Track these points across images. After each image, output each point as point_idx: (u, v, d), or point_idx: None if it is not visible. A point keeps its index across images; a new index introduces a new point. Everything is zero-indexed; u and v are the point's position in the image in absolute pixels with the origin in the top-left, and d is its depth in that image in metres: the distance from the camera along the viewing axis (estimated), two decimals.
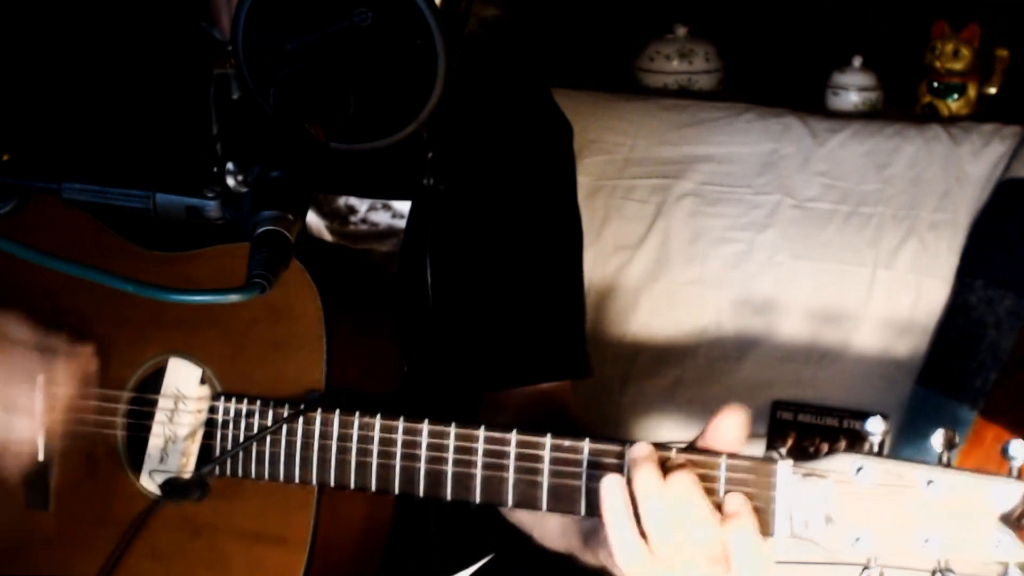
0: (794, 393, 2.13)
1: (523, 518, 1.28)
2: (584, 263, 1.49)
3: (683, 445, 1.03)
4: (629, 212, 2.27)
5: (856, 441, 2.04)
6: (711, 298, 2.20)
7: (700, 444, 1.02)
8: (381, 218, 1.32)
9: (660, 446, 1.02)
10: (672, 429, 2.17)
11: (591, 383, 1.49)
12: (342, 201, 1.33)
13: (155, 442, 1.21)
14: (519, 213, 1.37)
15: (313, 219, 1.33)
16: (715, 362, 2.18)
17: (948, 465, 0.94)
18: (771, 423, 2.10)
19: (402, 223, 1.32)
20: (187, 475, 1.17)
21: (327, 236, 1.35)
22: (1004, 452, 0.93)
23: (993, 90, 2.36)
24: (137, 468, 1.22)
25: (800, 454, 2.04)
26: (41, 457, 1.25)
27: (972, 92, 2.32)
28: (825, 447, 2.04)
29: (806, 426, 2.08)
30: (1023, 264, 1.99)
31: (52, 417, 1.21)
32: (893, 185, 2.16)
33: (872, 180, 2.18)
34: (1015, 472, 0.93)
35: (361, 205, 1.33)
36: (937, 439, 0.94)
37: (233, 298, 0.85)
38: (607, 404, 2.15)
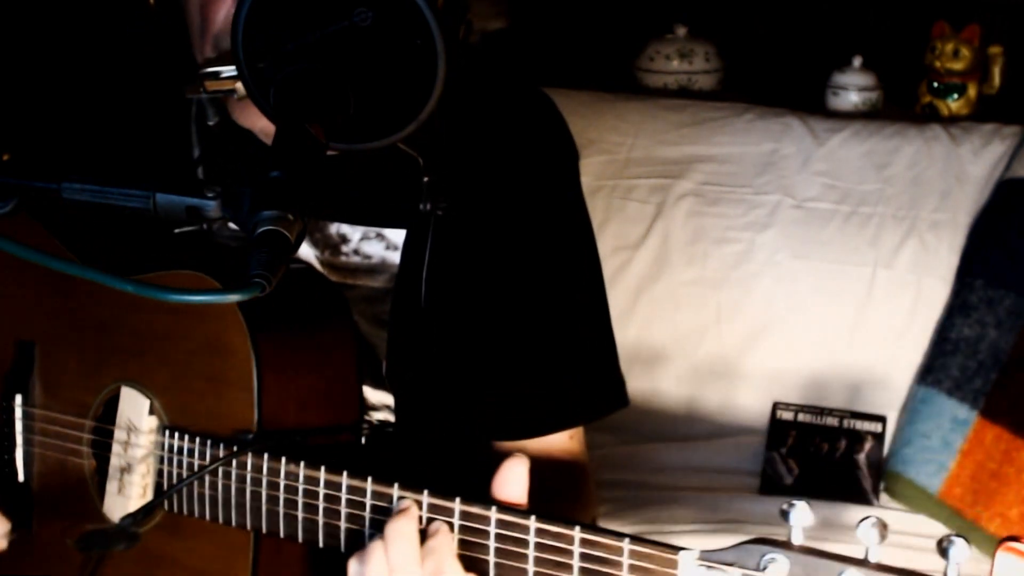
0: (794, 393, 2.13)
1: None
2: None
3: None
4: (629, 212, 2.27)
5: (856, 441, 2.04)
6: (711, 298, 2.20)
7: (493, 495, 0.99)
8: (374, 249, 1.28)
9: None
10: (673, 429, 2.17)
11: None
12: (334, 228, 1.29)
13: (113, 472, 1.20)
14: (534, 242, 1.30)
15: (303, 247, 1.28)
16: (715, 362, 2.18)
17: (870, 565, 0.83)
18: (771, 423, 2.11)
19: (395, 256, 1.27)
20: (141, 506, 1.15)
21: (316, 267, 1.30)
22: (943, 550, 0.80)
23: (993, 90, 2.36)
24: (103, 495, 1.21)
25: (800, 454, 2.04)
26: (21, 478, 1.28)
27: (972, 92, 2.32)
28: (825, 447, 2.05)
29: (806, 426, 2.09)
30: (1023, 264, 1.99)
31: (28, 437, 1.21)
32: (893, 185, 2.17)
33: (872, 180, 2.18)
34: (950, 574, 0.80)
35: (354, 234, 1.28)
36: (864, 531, 0.82)
37: (233, 298, 0.84)
38: None
